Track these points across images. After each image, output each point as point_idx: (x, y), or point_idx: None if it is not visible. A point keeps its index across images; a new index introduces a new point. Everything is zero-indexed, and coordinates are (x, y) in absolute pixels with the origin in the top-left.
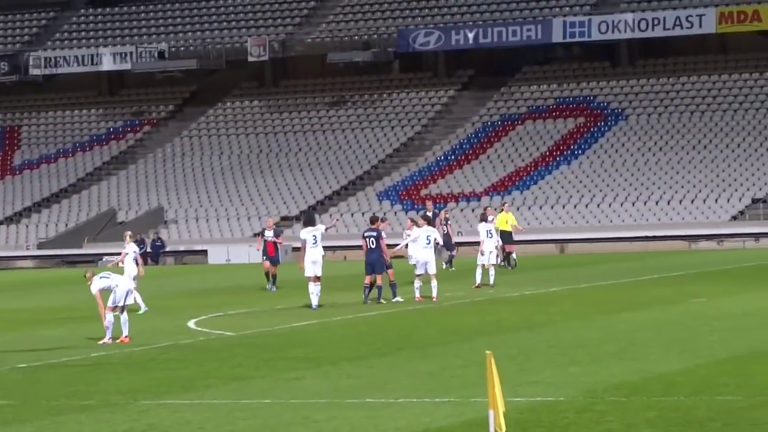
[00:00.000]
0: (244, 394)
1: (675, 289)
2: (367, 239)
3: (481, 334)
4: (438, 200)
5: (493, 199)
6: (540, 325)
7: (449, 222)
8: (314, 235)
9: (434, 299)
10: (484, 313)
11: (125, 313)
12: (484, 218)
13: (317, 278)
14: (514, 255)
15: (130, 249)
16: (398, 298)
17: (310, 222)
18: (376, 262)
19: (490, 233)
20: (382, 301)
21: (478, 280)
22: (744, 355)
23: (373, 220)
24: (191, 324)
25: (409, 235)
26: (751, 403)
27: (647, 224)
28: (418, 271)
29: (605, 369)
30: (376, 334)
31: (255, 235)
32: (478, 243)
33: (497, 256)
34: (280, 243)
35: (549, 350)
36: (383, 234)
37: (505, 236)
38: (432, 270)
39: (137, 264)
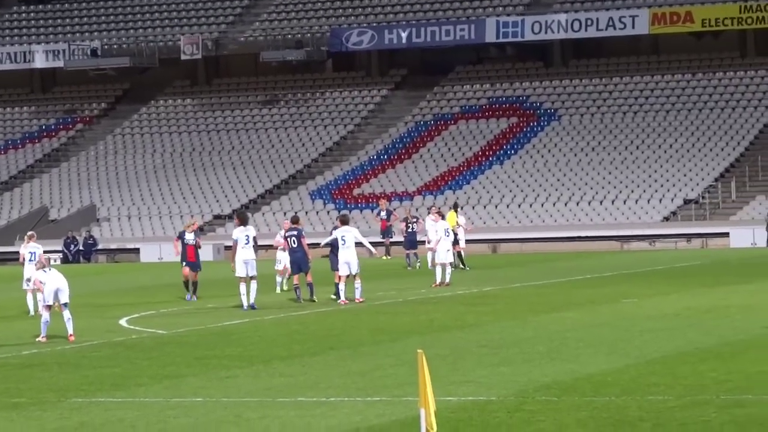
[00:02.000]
0: (176, 393)
1: (606, 289)
2: (289, 239)
3: (412, 334)
4: (378, 199)
5: (425, 199)
6: (472, 324)
7: (417, 220)
8: (246, 235)
9: (358, 300)
10: (415, 312)
11: (67, 311)
12: (441, 216)
13: (252, 278)
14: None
15: (26, 250)
16: (315, 298)
17: (243, 221)
18: (301, 260)
19: (447, 231)
20: (315, 298)
21: (439, 278)
22: (674, 355)
23: (295, 219)
24: (123, 322)
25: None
26: (681, 402)
27: (580, 224)
28: (342, 272)
29: (537, 369)
30: (308, 333)
31: (178, 238)
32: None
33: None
34: (200, 247)
35: (480, 350)
36: (303, 233)
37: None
38: (355, 269)
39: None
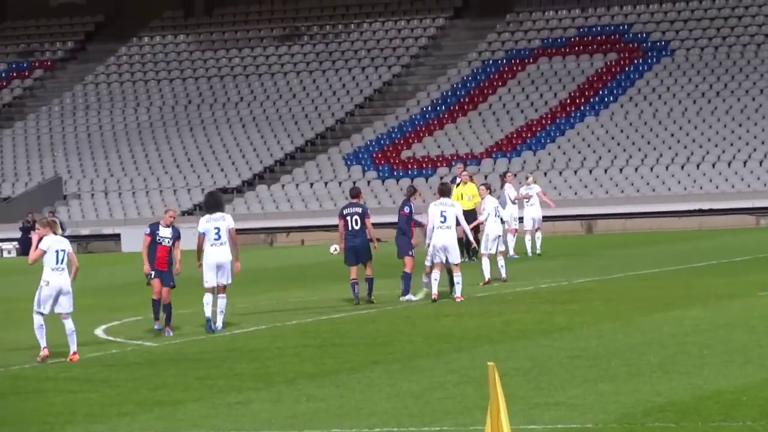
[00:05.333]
0: (171, 424)
1: (738, 279)
2: (349, 218)
3: (482, 342)
4: (426, 165)
5: (497, 163)
6: (561, 328)
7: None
8: (217, 228)
9: (458, 298)
10: (487, 314)
11: (70, 322)
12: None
13: (222, 288)
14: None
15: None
16: (410, 296)
17: (214, 206)
18: (361, 247)
19: (497, 210)
20: (373, 299)
21: (487, 275)
22: None
23: (355, 192)
24: (100, 332)
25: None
26: None
27: (702, 193)
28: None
29: (647, 385)
30: (344, 343)
31: (150, 235)
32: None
33: (495, 242)
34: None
35: (572, 362)
36: (368, 211)
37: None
38: (455, 258)
39: None
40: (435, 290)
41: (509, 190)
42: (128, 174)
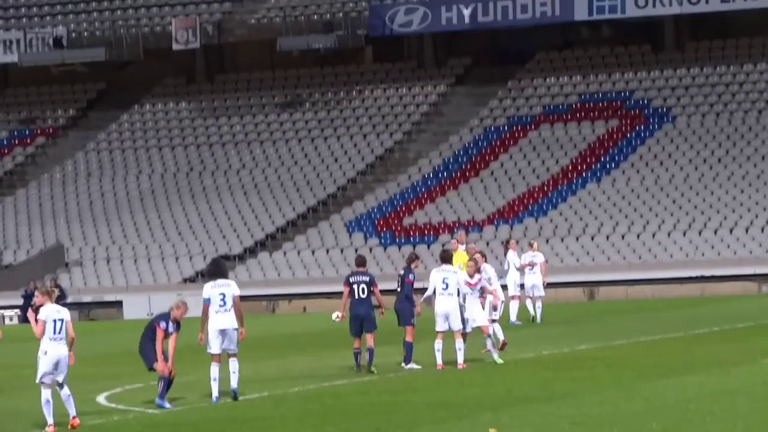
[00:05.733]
0: None
1: (741, 345)
2: (356, 286)
3: (484, 409)
4: (428, 231)
5: (499, 230)
6: (562, 395)
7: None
8: (222, 294)
9: (460, 366)
10: (488, 381)
11: (66, 388)
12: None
13: (232, 355)
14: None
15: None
16: (412, 365)
17: (218, 273)
18: (366, 316)
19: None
20: (373, 369)
21: (501, 336)
22: None
23: (361, 261)
24: (102, 399)
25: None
26: None
27: (703, 260)
28: (439, 327)
29: None
30: (346, 411)
31: (163, 329)
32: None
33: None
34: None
35: (574, 429)
36: (375, 280)
37: None
38: (456, 325)
39: None
40: (440, 360)
41: (512, 257)
42: (130, 241)
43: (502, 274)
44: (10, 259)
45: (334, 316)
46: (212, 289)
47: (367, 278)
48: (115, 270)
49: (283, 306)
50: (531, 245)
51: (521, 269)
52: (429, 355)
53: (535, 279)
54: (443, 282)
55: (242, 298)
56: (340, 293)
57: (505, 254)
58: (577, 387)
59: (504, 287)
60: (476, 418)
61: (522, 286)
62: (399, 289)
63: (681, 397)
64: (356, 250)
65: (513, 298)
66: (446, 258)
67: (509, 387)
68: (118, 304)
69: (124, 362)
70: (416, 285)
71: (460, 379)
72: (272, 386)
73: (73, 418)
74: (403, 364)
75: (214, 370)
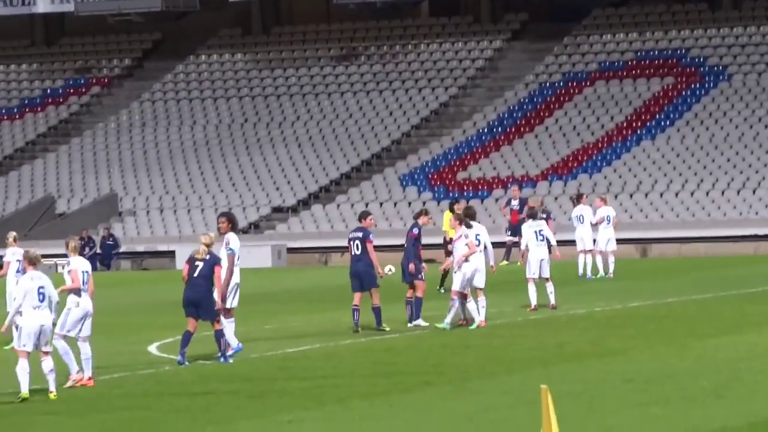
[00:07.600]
0: None
1: None
2: (352, 242)
3: (535, 364)
4: (481, 186)
5: (552, 185)
6: (614, 352)
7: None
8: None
9: (481, 324)
10: (540, 336)
11: (87, 345)
12: (531, 213)
13: (228, 310)
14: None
15: (12, 256)
16: (420, 322)
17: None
18: (363, 273)
19: (542, 234)
20: (384, 326)
21: (533, 301)
22: None
23: (363, 215)
24: (153, 348)
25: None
26: None
27: (757, 219)
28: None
29: (700, 410)
30: (398, 364)
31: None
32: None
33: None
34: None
35: (625, 385)
36: (371, 235)
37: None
38: (480, 282)
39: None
40: (482, 316)
41: (586, 211)
42: (183, 191)
43: (568, 228)
44: (64, 207)
45: (386, 268)
46: (236, 242)
47: (360, 234)
48: (168, 220)
49: (335, 258)
50: (603, 200)
51: (597, 224)
52: (403, 313)
53: (609, 233)
54: (476, 238)
55: (295, 250)
56: (392, 246)
57: (575, 208)
58: (628, 344)
59: (549, 243)
60: (527, 374)
61: (594, 240)
62: (405, 244)
63: (732, 355)
64: (409, 204)
65: (586, 251)
66: (471, 215)
67: (560, 342)
68: (171, 254)
69: (177, 312)
70: (424, 240)
71: (511, 333)
72: (324, 339)
73: (89, 378)
74: (409, 323)
75: (230, 325)
